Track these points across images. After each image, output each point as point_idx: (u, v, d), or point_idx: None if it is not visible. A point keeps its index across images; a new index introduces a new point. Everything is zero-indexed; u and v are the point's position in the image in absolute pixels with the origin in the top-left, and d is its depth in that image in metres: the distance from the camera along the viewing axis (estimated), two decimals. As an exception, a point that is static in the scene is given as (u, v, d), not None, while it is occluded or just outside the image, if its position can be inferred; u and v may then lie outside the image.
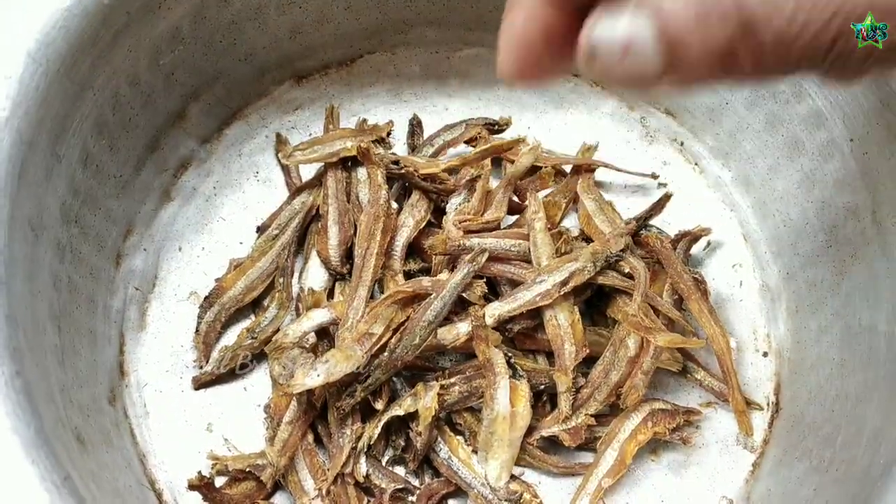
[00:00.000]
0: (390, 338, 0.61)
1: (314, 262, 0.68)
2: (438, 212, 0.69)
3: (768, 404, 0.67)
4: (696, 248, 0.71)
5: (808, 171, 0.65)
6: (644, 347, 0.62)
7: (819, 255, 0.65)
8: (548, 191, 0.72)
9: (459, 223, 0.66)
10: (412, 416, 0.60)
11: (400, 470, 0.63)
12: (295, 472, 0.61)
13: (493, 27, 0.72)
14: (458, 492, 0.62)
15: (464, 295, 0.62)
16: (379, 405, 0.60)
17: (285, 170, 0.73)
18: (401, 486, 0.61)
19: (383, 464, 0.63)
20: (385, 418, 0.60)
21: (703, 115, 0.72)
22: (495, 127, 0.74)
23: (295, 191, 0.71)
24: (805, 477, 0.59)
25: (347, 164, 0.70)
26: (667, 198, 0.73)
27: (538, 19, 0.34)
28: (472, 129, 0.73)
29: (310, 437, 0.62)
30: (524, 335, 0.64)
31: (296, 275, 0.69)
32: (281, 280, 0.68)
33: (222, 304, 0.66)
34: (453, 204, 0.68)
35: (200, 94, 0.68)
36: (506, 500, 0.60)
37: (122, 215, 0.65)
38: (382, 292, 0.64)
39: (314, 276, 0.67)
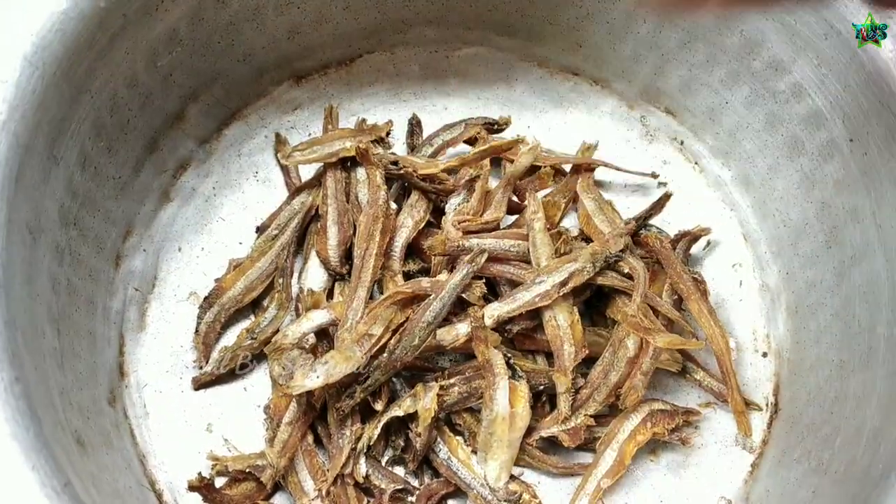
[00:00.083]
0: (390, 339, 0.61)
1: (313, 262, 0.68)
2: (438, 212, 0.69)
3: (767, 405, 0.67)
4: (696, 248, 0.71)
5: (808, 171, 0.65)
6: (643, 348, 0.62)
7: (819, 256, 0.65)
8: (547, 191, 0.72)
9: (458, 223, 0.65)
10: (412, 417, 0.60)
11: (399, 470, 0.63)
12: (295, 472, 0.61)
13: (492, 26, 0.73)
14: (458, 492, 0.62)
15: (463, 296, 0.62)
16: (378, 406, 0.61)
17: (284, 170, 0.73)
18: (400, 487, 0.61)
19: (383, 464, 0.63)
20: (384, 419, 0.60)
21: (703, 115, 0.72)
22: (494, 126, 0.73)
23: (294, 191, 0.71)
24: (804, 478, 0.59)
25: (347, 164, 0.70)
26: (666, 197, 0.73)
27: None
28: (471, 128, 0.72)
29: (310, 438, 0.62)
30: (523, 336, 0.64)
31: (295, 275, 0.69)
32: (280, 280, 0.68)
33: (222, 305, 0.66)
34: (452, 204, 0.68)
35: (199, 95, 0.68)
36: (505, 501, 0.60)
37: (122, 216, 0.65)
38: (382, 293, 0.64)
39: (313, 276, 0.67)
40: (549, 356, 0.64)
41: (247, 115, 0.73)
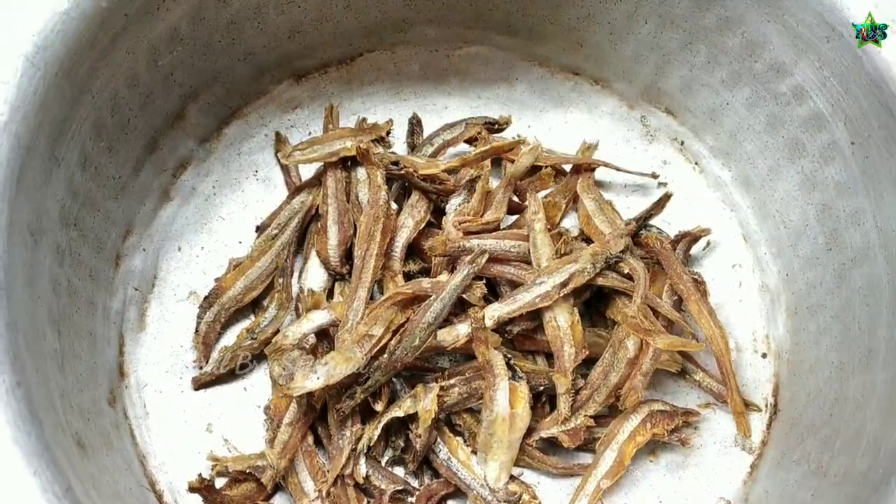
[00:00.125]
0: (390, 339, 0.61)
1: (314, 262, 0.68)
2: (438, 212, 0.68)
3: (767, 406, 0.67)
4: (696, 249, 0.71)
5: (809, 172, 0.65)
6: (643, 349, 0.62)
7: (819, 257, 0.65)
8: (547, 191, 0.72)
9: (459, 224, 0.65)
10: (412, 418, 0.61)
11: (399, 471, 0.63)
12: (295, 473, 0.61)
13: (492, 25, 0.73)
14: (458, 493, 0.62)
15: (463, 296, 0.62)
16: (379, 406, 0.61)
17: (285, 169, 0.72)
18: (400, 487, 0.61)
19: (383, 465, 0.63)
20: (385, 420, 0.60)
21: (703, 115, 0.72)
22: (495, 126, 0.73)
23: (294, 190, 0.71)
24: (803, 480, 0.59)
25: (347, 163, 0.70)
26: (667, 197, 0.73)
27: None
28: (471, 128, 0.72)
29: (310, 439, 0.62)
30: (524, 336, 0.64)
31: (295, 275, 0.69)
32: (280, 280, 0.68)
33: (222, 305, 0.66)
34: (453, 204, 0.68)
35: (199, 94, 0.68)
36: (505, 501, 0.60)
37: (122, 216, 0.65)
38: (382, 293, 0.64)
39: (314, 276, 0.67)
40: (550, 357, 0.64)
41: (247, 114, 0.73)
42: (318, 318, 0.63)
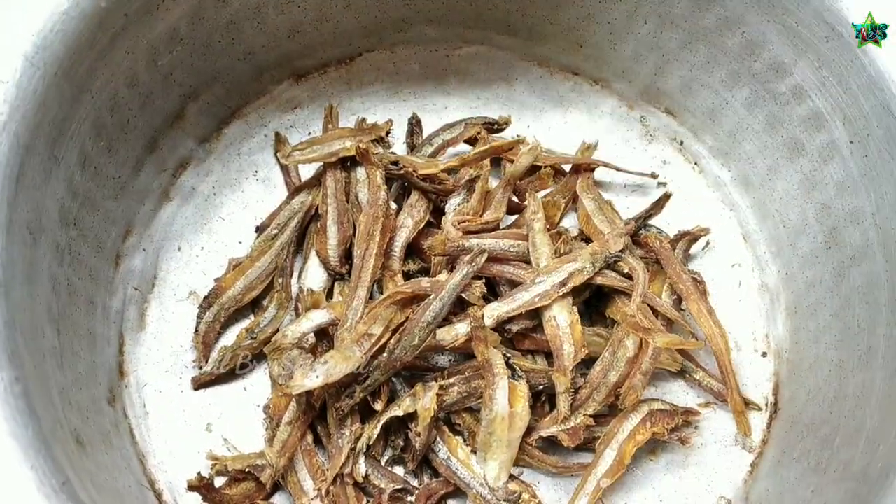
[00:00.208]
0: (389, 338, 0.61)
1: (313, 262, 0.68)
2: (438, 212, 0.69)
3: (767, 405, 0.67)
4: (696, 248, 0.71)
5: (808, 172, 0.65)
6: (643, 348, 0.62)
7: (818, 256, 0.65)
8: (547, 191, 0.72)
9: (458, 223, 0.65)
10: (411, 417, 0.61)
11: (399, 470, 0.63)
12: (294, 472, 0.61)
13: (492, 25, 0.73)
14: (457, 492, 0.62)
15: (463, 295, 0.62)
16: (378, 406, 0.61)
17: (284, 169, 0.73)
18: (400, 487, 0.61)
19: (382, 464, 0.63)
20: (384, 419, 0.60)
21: (702, 115, 0.72)
22: (494, 126, 0.73)
23: (294, 190, 0.71)
24: (803, 477, 0.59)
25: (347, 163, 0.70)
26: (666, 197, 0.73)
27: None
28: (471, 128, 0.72)
29: (309, 438, 0.62)
30: (523, 336, 0.64)
31: (295, 275, 0.69)
32: (280, 280, 0.68)
33: (221, 304, 0.66)
34: (452, 204, 0.68)
35: (199, 94, 0.68)
36: (504, 500, 0.60)
37: (121, 216, 0.65)
38: (381, 293, 0.64)
39: (313, 276, 0.67)
40: (549, 356, 0.64)
41: (247, 114, 0.73)
42: (318, 317, 0.63)
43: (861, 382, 0.58)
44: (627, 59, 0.72)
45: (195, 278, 0.68)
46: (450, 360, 0.66)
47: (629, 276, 0.64)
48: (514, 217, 0.70)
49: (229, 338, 0.67)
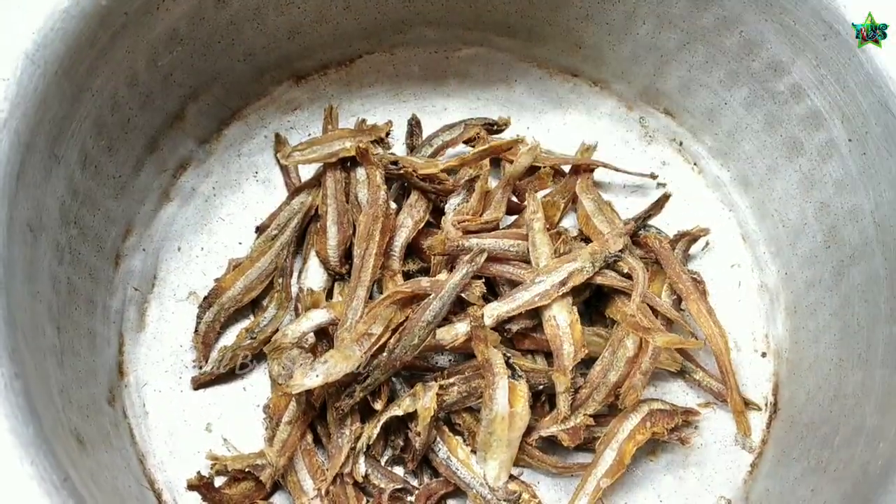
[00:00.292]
0: (389, 338, 0.61)
1: (313, 262, 0.68)
2: (437, 212, 0.69)
3: (766, 404, 0.67)
4: (695, 248, 0.71)
5: (807, 171, 0.65)
6: (643, 348, 0.62)
7: (817, 256, 0.65)
8: (546, 191, 0.72)
9: (458, 223, 0.66)
10: (411, 417, 0.60)
11: (399, 470, 0.63)
12: (294, 472, 0.61)
13: (491, 27, 0.73)
14: (457, 492, 0.62)
15: (463, 295, 0.62)
16: (378, 405, 0.61)
17: (284, 170, 0.73)
18: (399, 486, 0.61)
19: (382, 464, 0.63)
20: (384, 418, 0.60)
21: (701, 115, 0.72)
22: (494, 127, 0.74)
23: (294, 191, 0.71)
24: (803, 477, 0.59)
25: (346, 164, 0.70)
26: (665, 198, 0.73)
27: None
28: (470, 129, 0.73)
29: (309, 438, 0.62)
30: (523, 335, 0.64)
31: (295, 275, 0.69)
32: (280, 280, 0.68)
33: (221, 305, 0.66)
34: (452, 204, 0.68)
35: (199, 95, 0.68)
36: (504, 500, 0.60)
37: (122, 216, 0.65)
38: (381, 293, 0.64)
39: (313, 276, 0.68)
40: (549, 356, 0.64)
41: (247, 115, 0.73)
42: (318, 316, 0.63)
43: (861, 381, 0.58)
44: (626, 59, 0.73)
45: (195, 278, 0.68)
46: (450, 360, 0.66)
47: (629, 276, 0.64)
48: (514, 217, 0.70)
49: (229, 338, 0.67)
